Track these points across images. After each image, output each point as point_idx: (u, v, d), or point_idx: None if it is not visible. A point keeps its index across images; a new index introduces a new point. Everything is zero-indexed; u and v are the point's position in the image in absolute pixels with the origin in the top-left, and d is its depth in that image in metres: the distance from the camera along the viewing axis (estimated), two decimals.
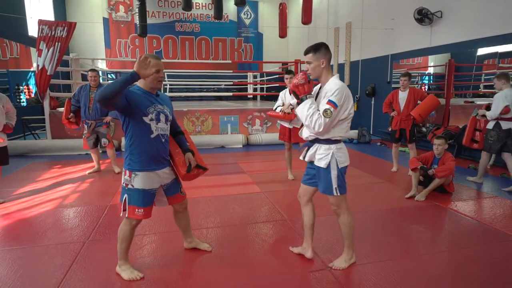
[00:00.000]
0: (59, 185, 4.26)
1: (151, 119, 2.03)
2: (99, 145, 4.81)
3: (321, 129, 2.00)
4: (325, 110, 1.99)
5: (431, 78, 8.52)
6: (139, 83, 2.06)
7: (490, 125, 4.10)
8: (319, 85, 2.25)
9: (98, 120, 4.65)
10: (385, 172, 4.90)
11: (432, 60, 7.66)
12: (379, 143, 7.54)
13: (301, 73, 2.09)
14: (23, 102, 9.15)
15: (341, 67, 10.30)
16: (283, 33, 11.12)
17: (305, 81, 2.06)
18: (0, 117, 3.34)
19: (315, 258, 2.41)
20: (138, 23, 10.61)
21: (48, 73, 6.16)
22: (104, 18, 12.93)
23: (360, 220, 3.14)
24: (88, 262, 2.38)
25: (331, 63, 9.33)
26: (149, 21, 12.08)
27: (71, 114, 4.61)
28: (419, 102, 4.61)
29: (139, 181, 2.04)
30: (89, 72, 4.54)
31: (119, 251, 2.17)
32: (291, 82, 2.13)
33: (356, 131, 7.86)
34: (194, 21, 13.79)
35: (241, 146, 7.18)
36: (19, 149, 6.18)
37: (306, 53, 2.13)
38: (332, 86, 2.04)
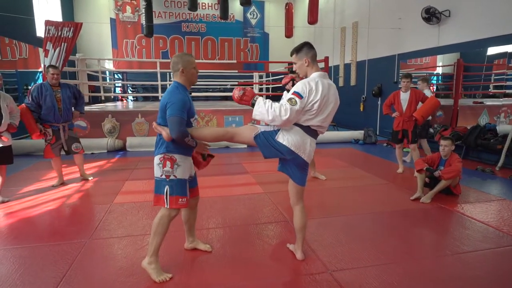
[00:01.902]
0: (63, 185, 4.28)
1: (194, 119, 2.21)
2: (69, 152, 4.22)
3: (287, 114, 2.00)
4: (290, 99, 2.04)
5: (439, 78, 8.41)
6: (180, 80, 2.16)
7: None
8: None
9: (69, 122, 4.19)
10: (390, 173, 4.83)
11: (440, 60, 7.55)
12: (385, 144, 7.44)
13: (237, 88, 2.21)
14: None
15: (347, 67, 10.22)
16: (289, 33, 11.11)
17: (243, 91, 2.17)
18: (4, 116, 3.38)
19: (316, 260, 2.37)
20: (144, 23, 10.67)
21: None
22: (111, 19, 13.05)
23: (363, 221, 3.10)
24: (88, 261, 2.38)
25: (338, 63, 9.21)
26: (156, 21, 12.15)
27: (39, 126, 3.97)
28: (420, 103, 4.62)
29: (181, 171, 2.12)
30: (50, 69, 3.99)
31: (152, 245, 2.14)
32: (238, 97, 2.19)
33: (362, 131, 7.79)
34: (200, 21, 13.83)
35: (245, 146, 7.16)
36: (25, 148, 6.26)
37: (291, 54, 2.29)
38: (303, 80, 2.15)
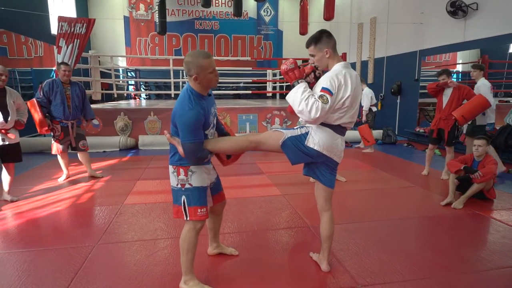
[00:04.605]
0: (74, 184, 4.17)
1: (210, 128, 1.92)
2: (76, 148, 4.23)
3: (318, 114, 1.78)
4: (321, 96, 1.82)
5: (459, 76, 8.04)
6: (194, 86, 1.83)
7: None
8: None
9: (77, 119, 4.18)
10: (415, 176, 4.54)
11: (460, 57, 7.20)
12: (405, 144, 7.12)
13: (290, 59, 1.97)
14: None
15: (364, 64, 9.89)
16: (304, 30, 10.83)
17: (294, 66, 1.93)
18: (11, 113, 3.26)
19: (343, 273, 2.14)
20: (157, 21, 10.57)
21: None
22: (124, 17, 13.03)
23: (391, 228, 2.85)
24: (95, 268, 2.21)
25: (354, 60, 8.91)
26: (169, 19, 12.05)
27: (48, 121, 3.95)
28: (465, 101, 4.16)
29: (197, 178, 1.88)
30: (62, 66, 4.02)
31: (184, 264, 1.93)
32: (285, 68, 1.95)
33: (381, 131, 7.48)
34: (214, 18, 13.68)
35: None
36: (38, 146, 6.21)
37: (307, 45, 2.01)
38: (328, 74, 1.92)
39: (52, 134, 4.11)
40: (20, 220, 3.01)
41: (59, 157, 4.23)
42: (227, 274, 2.17)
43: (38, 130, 3.94)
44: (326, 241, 2.12)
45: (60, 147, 4.10)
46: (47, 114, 3.99)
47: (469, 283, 2.06)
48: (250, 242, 2.60)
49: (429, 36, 7.29)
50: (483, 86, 4.26)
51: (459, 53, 7.05)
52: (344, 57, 7.82)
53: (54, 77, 7.01)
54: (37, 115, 3.82)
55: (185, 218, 1.89)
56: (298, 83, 1.91)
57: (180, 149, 1.82)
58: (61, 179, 4.29)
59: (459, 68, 7.75)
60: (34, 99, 3.89)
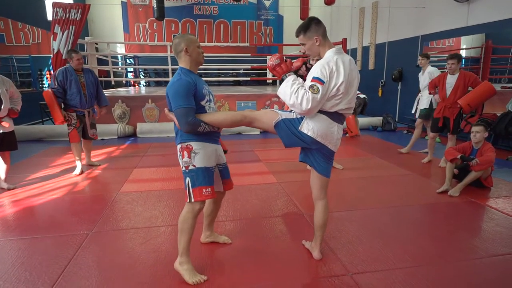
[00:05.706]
0: (71, 172, 4.16)
1: (207, 101, 1.96)
2: (86, 137, 4.20)
3: (309, 106, 1.77)
4: (311, 86, 1.79)
5: (463, 62, 7.91)
6: (185, 62, 1.95)
7: None
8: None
9: (92, 107, 4.17)
10: (414, 163, 4.51)
11: (464, 42, 7.05)
12: (405, 131, 7.07)
13: (275, 54, 1.98)
14: (45, 87, 9.25)
15: (365, 50, 9.73)
16: (305, 15, 10.62)
17: (280, 61, 1.93)
18: (4, 101, 3.23)
19: (335, 260, 2.15)
20: (155, 5, 10.37)
21: (63, 57, 6.08)
22: (122, 2, 12.80)
23: (385, 216, 2.85)
24: (89, 256, 2.23)
25: (355, 46, 8.75)
26: (167, 4, 11.80)
27: (63, 112, 3.92)
28: (470, 88, 4.05)
29: (200, 158, 1.91)
30: (74, 54, 3.90)
31: (181, 244, 1.95)
32: (271, 65, 1.96)
33: (381, 118, 7.41)
34: (213, 3, 13.41)
35: (258, 133, 6.94)
36: (36, 134, 6.21)
37: (297, 34, 1.99)
38: (319, 62, 1.89)
39: (68, 123, 4.01)
40: (16, 208, 3.03)
41: (74, 146, 4.07)
42: (219, 261, 2.18)
43: (54, 122, 3.94)
44: (319, 230, 2.12)
45: (78, 135, 4.05)
46: (62, 104, 3.95)
47: (462, 271, 2.07)
48: (244, 230, 2.61)
49: (432, 20, 7.13)
50: (432, 72, 4.82)
51: (462, 38, 6.90)
52: (344, 42, 7.68)
53: (51, 64, 6.96)
54: (52, 107, 3.77)
55: (190, 200, 1.91)
56: (287, 76, 1.89)
57: (176, 121, 1.87)
58: (77, 172, 4.05)
59: (462, 53, 7.62)
60: (49, 90, 3.83)
